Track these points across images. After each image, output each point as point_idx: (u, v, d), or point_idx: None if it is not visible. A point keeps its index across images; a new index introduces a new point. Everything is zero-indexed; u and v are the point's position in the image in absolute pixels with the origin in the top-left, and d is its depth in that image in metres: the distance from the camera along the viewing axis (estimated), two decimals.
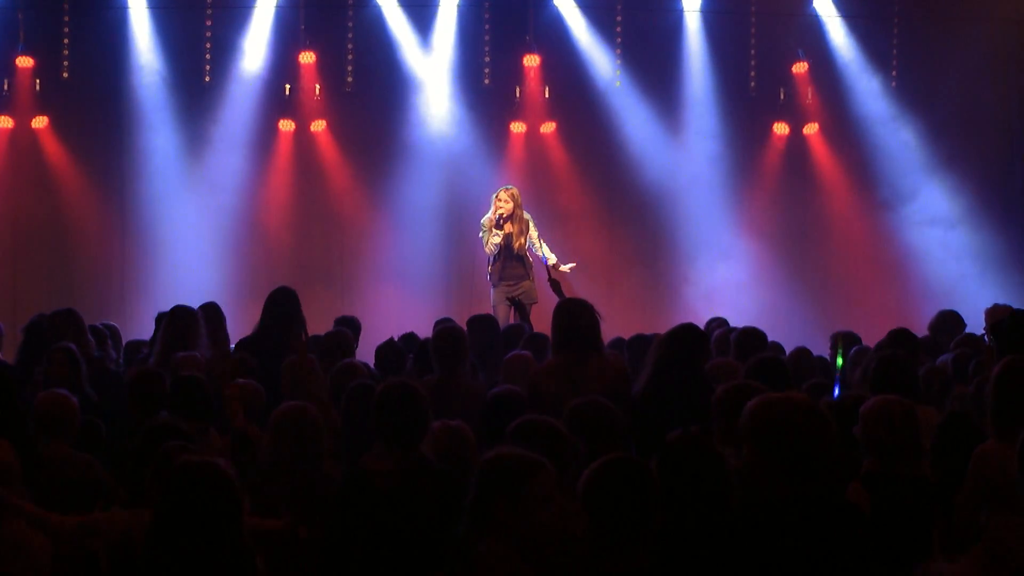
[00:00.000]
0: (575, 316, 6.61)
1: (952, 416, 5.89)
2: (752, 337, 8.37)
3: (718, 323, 9.86)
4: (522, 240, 11.68)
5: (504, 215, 11.54)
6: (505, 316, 11.49)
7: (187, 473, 4.32)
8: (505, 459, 4.12)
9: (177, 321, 8.37)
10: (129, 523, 5.03)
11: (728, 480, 4.28)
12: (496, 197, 11.67)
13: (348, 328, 9.36)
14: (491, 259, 11.66)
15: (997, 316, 9.10)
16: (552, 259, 11.92)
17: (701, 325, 9.83)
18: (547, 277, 10.93)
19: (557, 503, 4.05)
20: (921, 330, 10.49)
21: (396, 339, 8.64)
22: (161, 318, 9.02)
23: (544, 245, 11.94)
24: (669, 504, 4.14)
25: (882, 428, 5.14)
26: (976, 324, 10.32)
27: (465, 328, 8.11)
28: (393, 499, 5.10)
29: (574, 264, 12.10)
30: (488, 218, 11.66)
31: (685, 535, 4.11)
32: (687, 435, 4.35)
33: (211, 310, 9.08)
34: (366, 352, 9.06)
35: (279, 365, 7.48)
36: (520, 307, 11.67)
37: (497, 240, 11.55)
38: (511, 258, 11.64)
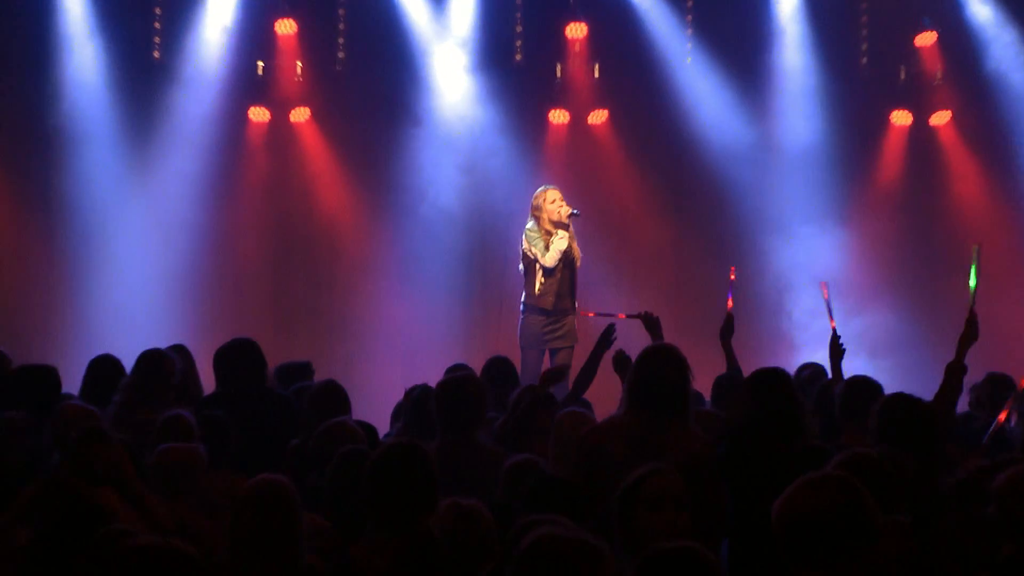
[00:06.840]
0: (661, 367, 6.13)
1: None
2: (863, 390, 7.20)
3: (810, 369, 9.17)
4: (577, 249, 10.93)
5: (575, 212, 10.61)
6: (536, 362, 10.60)
7: (146, 560, 4.05)
8: (561, 543, 3.90)
9: (146, 369, 8.05)
10: None
11: None
12: (548, 200, 10.68)
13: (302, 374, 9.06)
14: (548, 272, 10.70)
15: None
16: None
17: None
18: (639, 315, 9.08)
19: None
20: None
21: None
22: (95, 365, 8.51)
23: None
24: None
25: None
26: None
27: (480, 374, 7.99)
28: None
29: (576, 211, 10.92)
30: (538, 226, 10.62)
31: None
32: None
33: (182, 354, 8.88)
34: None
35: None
36: (554, 360, 10.71)
37: (563, 246, 10.63)
38: (567, 280, 10.76)
